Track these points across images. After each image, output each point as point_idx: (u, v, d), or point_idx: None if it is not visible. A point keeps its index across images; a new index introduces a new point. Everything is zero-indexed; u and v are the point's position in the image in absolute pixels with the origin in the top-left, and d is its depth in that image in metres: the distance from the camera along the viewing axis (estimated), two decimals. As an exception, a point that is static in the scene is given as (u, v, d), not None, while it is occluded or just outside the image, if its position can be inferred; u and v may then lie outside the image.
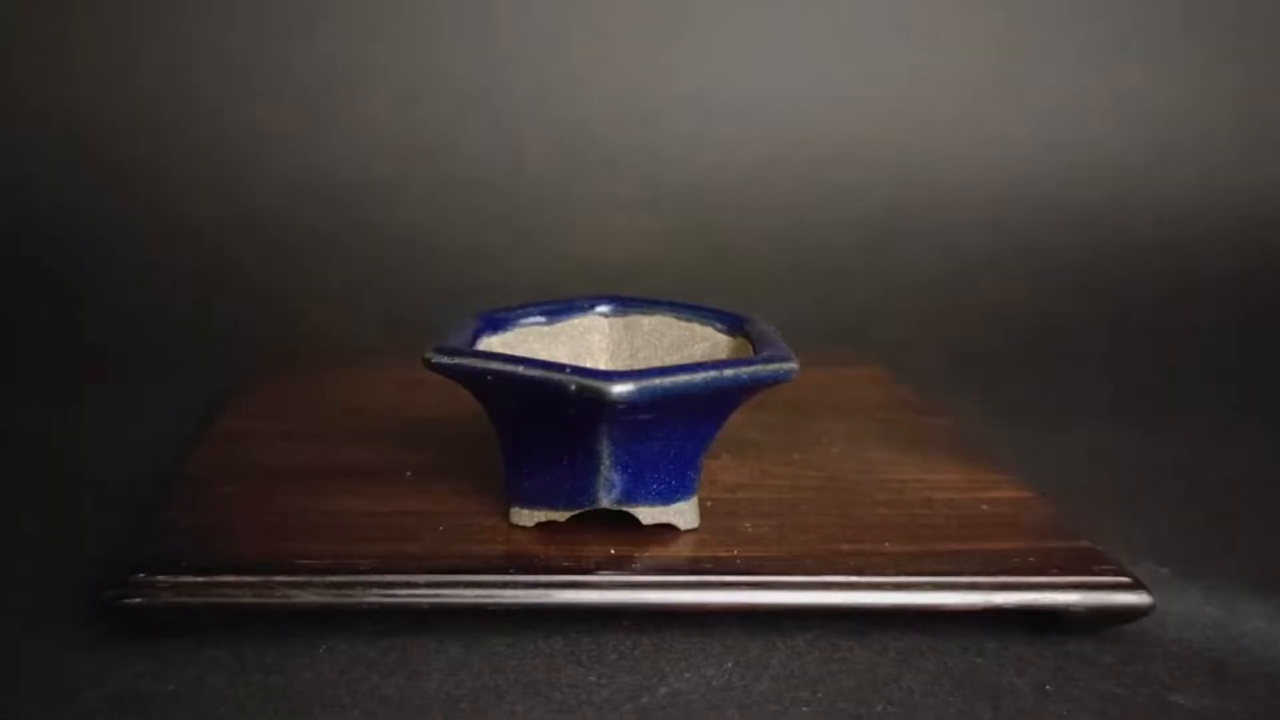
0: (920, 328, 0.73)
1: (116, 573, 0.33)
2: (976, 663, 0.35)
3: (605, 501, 0.36)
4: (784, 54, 0.81)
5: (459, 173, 0.77)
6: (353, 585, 0.33)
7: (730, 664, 0.34)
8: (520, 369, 0.33)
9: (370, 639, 0.34)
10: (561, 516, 0.37)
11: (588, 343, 0.42)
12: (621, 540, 0.36)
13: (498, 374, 0.33)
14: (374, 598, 0.33)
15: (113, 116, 0.75)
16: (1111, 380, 0.68)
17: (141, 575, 0.33)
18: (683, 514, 0.37)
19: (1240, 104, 0.83)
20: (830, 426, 0.49)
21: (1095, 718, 0.32)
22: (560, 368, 0.33)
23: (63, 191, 0.73)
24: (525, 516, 0.37)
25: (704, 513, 0.38)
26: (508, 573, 0.34)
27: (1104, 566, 0.36)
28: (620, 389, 0.32)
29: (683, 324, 0.42)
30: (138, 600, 0.33)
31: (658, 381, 0.33)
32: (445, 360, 0.34)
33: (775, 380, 0.35)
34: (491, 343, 0.39)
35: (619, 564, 0.35)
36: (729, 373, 0.34)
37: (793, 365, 0.35)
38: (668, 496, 0.37)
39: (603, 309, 0.43)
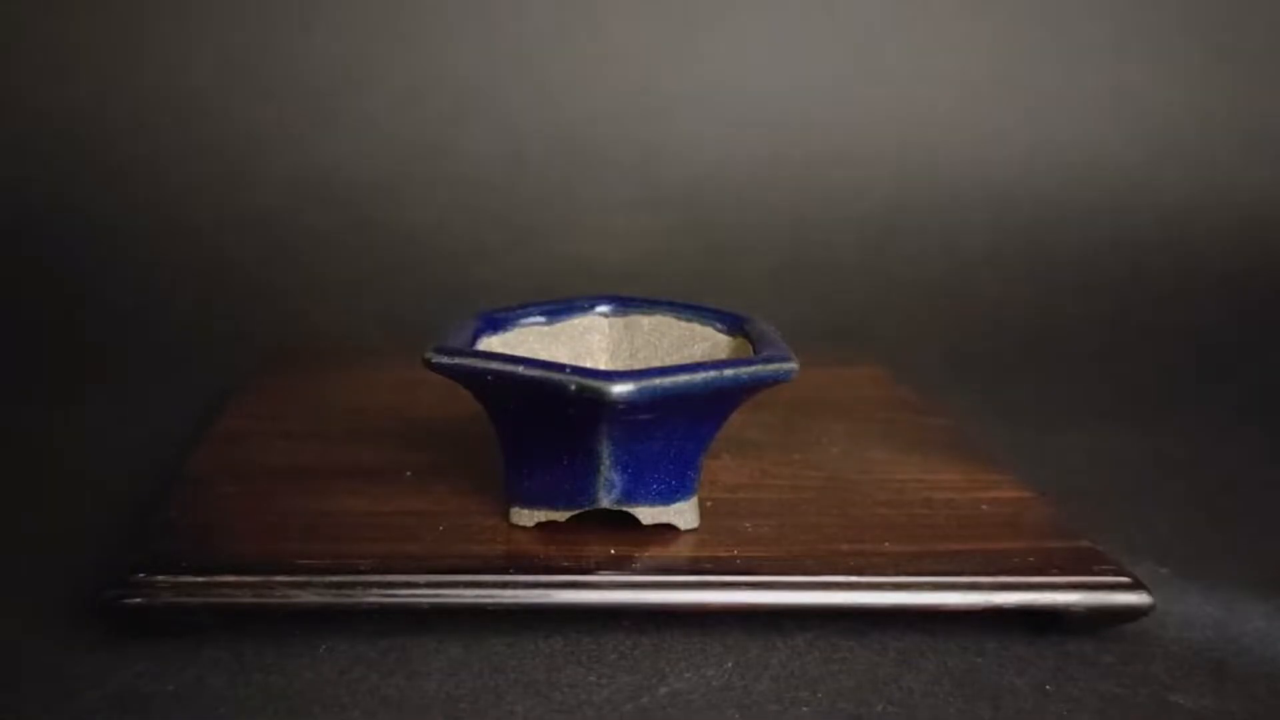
0: (920, 328, 0.73)
1: (116, 573, 0.33)
2: (976, 663, 0.35)
3: (605, 501, 0.36)
4: (784, 54, 0.81)
5: (459, 173, 0.77)
6: (353, 585, 0.33)
7: (730, 664, 0.34)
8: (520, 369, 0.33)
9: (370, 639, 0.34)
10: (561, 516, 0.37)
11: (588, 343, 0.42)
12: (621, 540, 0.36)
13: (498, 374, 0.33)
14: (374, 598, 0.33)
15: (113, 116, 0.75)
16: (1111, 380, 0.68)
17: (141, 575, 0.33)
18: (683, 514, 0.37)
19: (1240, 104, 0.83)
20: (830, 426, 0.49)
21: (1095, 718, 0.32)
22: (560, 368, 0.33)
23: (63, 191, 0.73)
24: (525, 516, 0.37)
25: (704, 513, 0.38)
26: (508, 573, 0.34)
27: (1104, 566, 0.36)
28: (620, 389, 0.32)
29: (683, 324, 0.42)
30: (138, 600, 0.33)
31: (658, 381, 0.33)
32: (445, 360, 0.34)
33: (775, 380, 0.35)
34: (491, 343, 0.39)
35: (619, 564, 0.35)
36: (729, 373, 0.34)
37: (793, 365, 0.35)
38: (668, 496, 0.37)
39: (603, 309, 0.43)
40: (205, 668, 0.33)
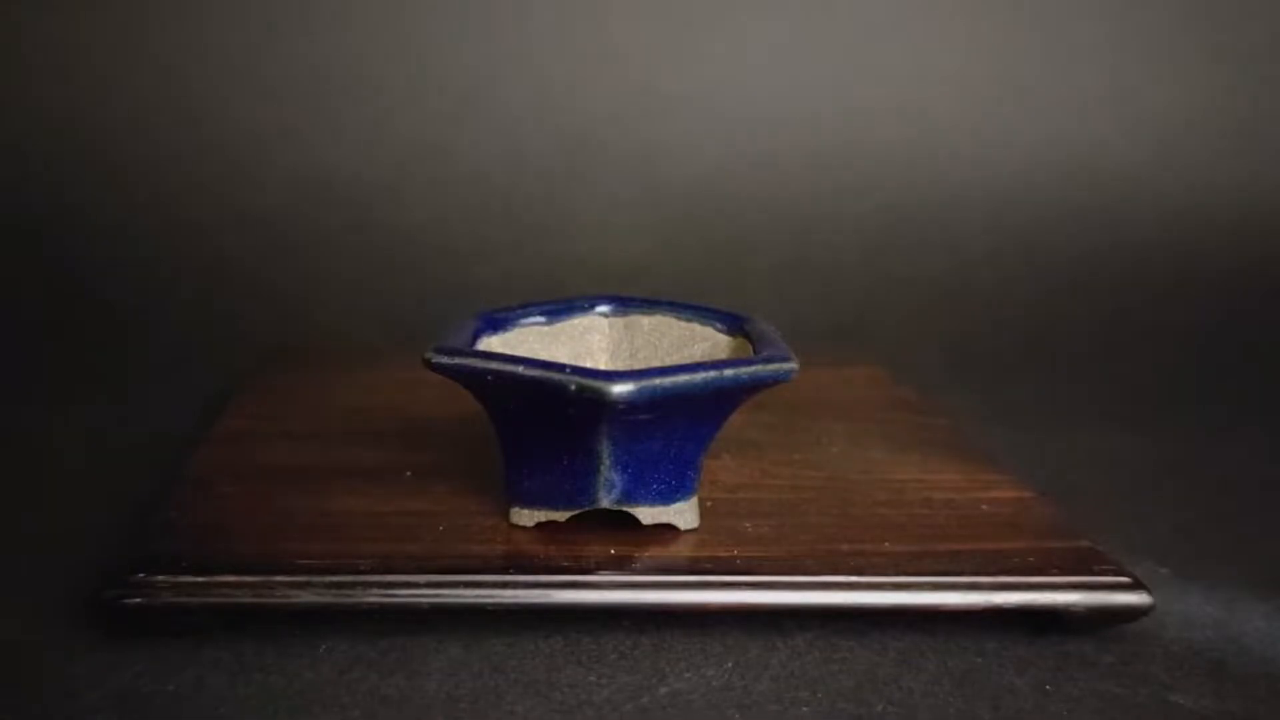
0: (920, 328, 0.73)
1: (116, 573, 0.33)
2: (976, 663, 0.35)
3: (605, 501, 0.36)
4: (784, 54, 0.81)
5: (459, 173, 0.77)
6: (353, 585, 0.33)
7: (730, 664, 0.34)
8: (520, 369, 0.33)
9: (370, 639, 0.34)
10: (561, 516, 0.37)
11: (588, 343, 0.42)
12: (621, 540, 0.36)
13: (498, 374, 0.33)
14: (374, 598, 0.33)
15: (113, 116, 0.75)
16: (1111, 380, 0.68)
17: (141, 575, 0.33)
18: (683, 514, 0.37)
19: (1240, 104, 0.83)
20: (830, 426, 0.49)
21: (1095, 718, 0.32)
22: (560, 368, 0.33)
23: (63, 191, 0.73)
24: (525, 516, 0.37)
25: (704, 513, 0.38)
26: (508, 573, 0.34)
27: (1104, 566, 0.36)
28: (620, 389, 0.32)
29: (683, 324, 0.42)
30: (138, 600, 0.33)
31: (658, 381, 0.33)
32: (445, 360, 0.34)
33: (775, 380, 0.35)
34: (491, 343, 0.39)
35: (619, 564, 0.35)
36: (729, 373, 0.34)
37: (793, 365, 0.35)
38: (668, 496, 0.37)
39: (603, 309, 0.43)
40: (205, 668, 0.33)
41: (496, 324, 0.40)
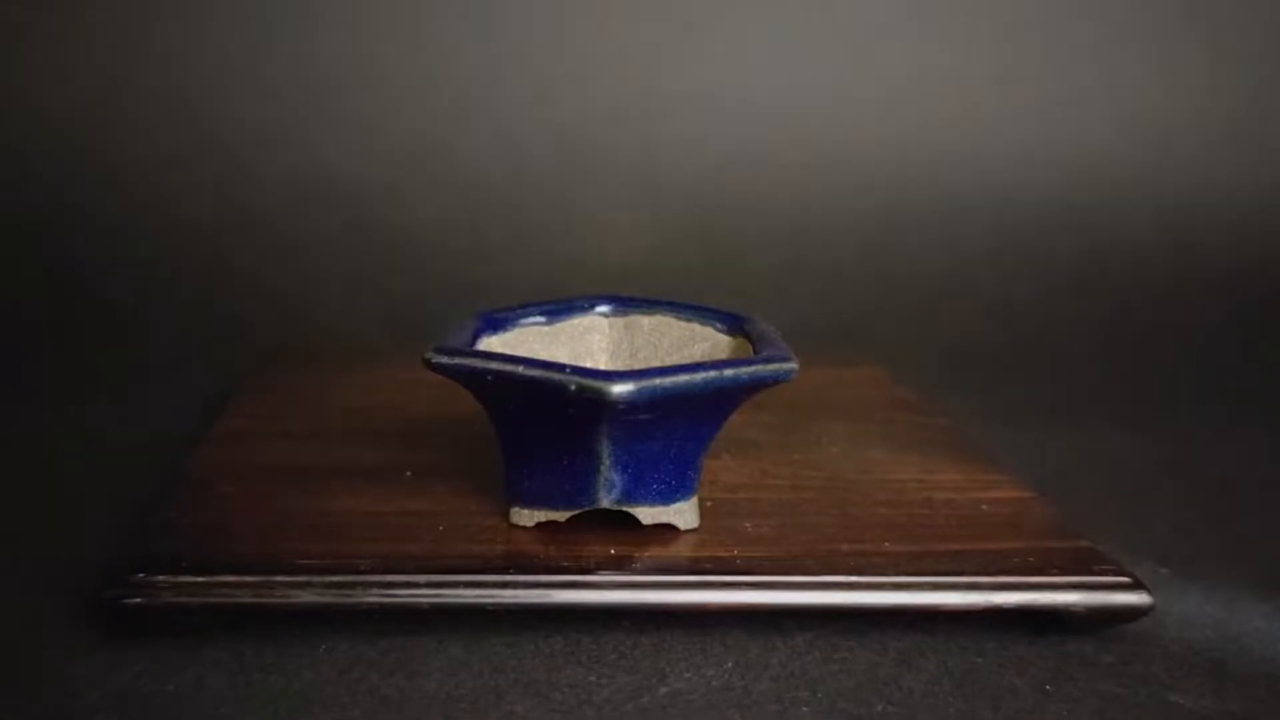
0: (920, 328, 0.73)
1: (116, 573, 0.33)
2: (976, 663, 0.35)
3: (605, 501, 0.36)
4: (784, 54, 0.81)
5: (459, 173, 0.77)
6: (353, 585, 0.33)
7: (730, 664, 0.34)
8: (520, 369, 0.33)
9: (370, 639, 0.34)
10: (561, 516, 0.37)
11: (588, 343, 0.42)
12: (621, 540, 0.36)
13: (498, 374, 0.33)
14: (374, 598, 0.33)
15: (113, 116, 0.75)
16: (1111, 380, 0.68)
17: (141, 575, 0.33)
18: (683, 514, 0.37)
19: (1240, 104, 0.83)
20: (830, 426, 0.49)
21: (1095, 718, 0.32)
22: (560, 368, 0.33)
23: (63, 191, 0.73)
24: (525, 516, 0.37)
25: (704, 513, 0.38)
26: (508, 573, 0.34)
27: (1104, 566, 0.36)
28: (620, 389, 0.32)
29: (683, 324, 0.42)
30: (138, 600, 0.33)
31: (658, 381, 0.33)
32: (445, 360, 0.34)
33: (775, 380, 0.35)
34: (491, 343, 0.39)
35: (619, 564, 0.35)
36: (729, 373, 0.34)
37: (793, 365, 0.35)
38: (668, 496, 0.37)
39: (603, 309, 0.43)
40: (205, 668, 0.33)
41: (496, 324, 0.40)
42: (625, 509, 0.36)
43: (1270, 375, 0.69)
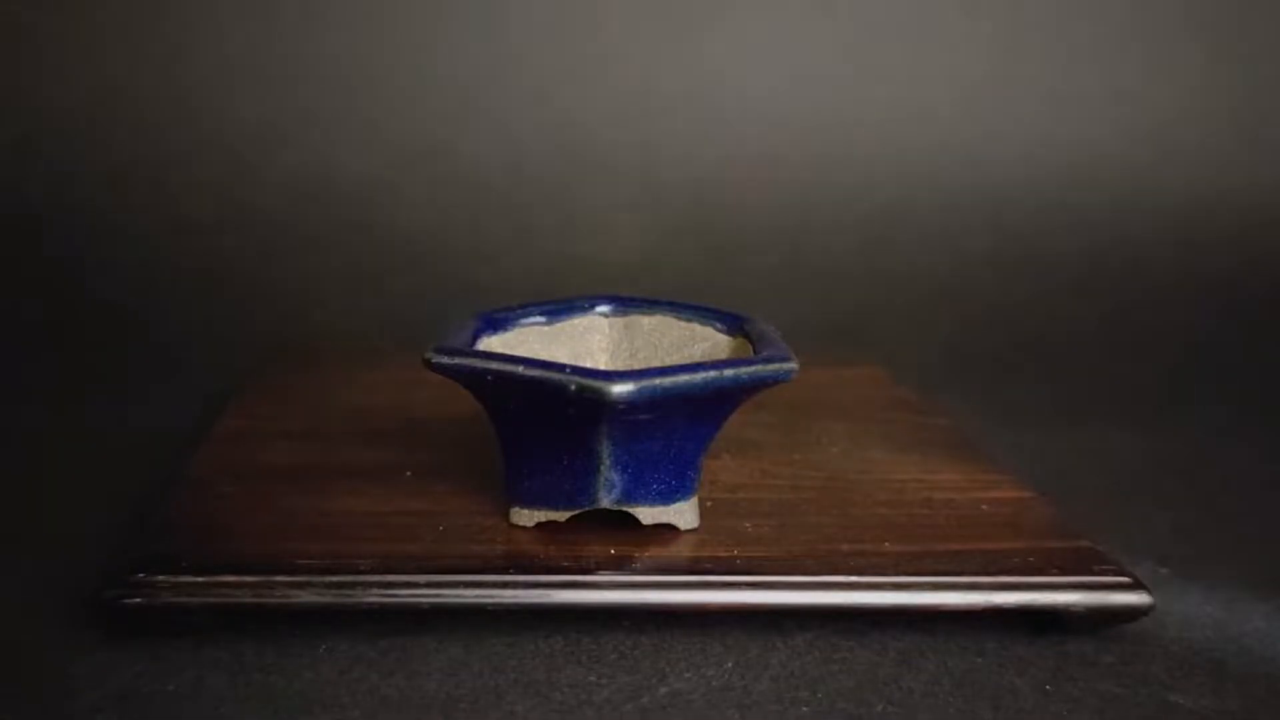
0: (920, 328, 0.73)
1: (116, 573, 0.33)
2: (976, 663, 0.35)
3: (605, 501, 0.36)
4: (784, 53, 0.81)
5: (459, 173, 0.77)
6: (353, 585, 0.33)
7: (730, 664, 0.34)
8: (520, 369, 0.33)
9: (370, 639, 0.34)
10: (561, 516, 0.37)
11: (588, 343, 0.42)
12: (621, 540, 0.36)
13: (498, 374, 0.33)
14: (374, 598, 0.33)
15: (113, 116, 0.75)
16: (1111, 380, 0.68)
17: (141, 575, 0.33)
18: (683, 514, 0.37)
19: (1240, 104, 0.83)
20: (830, 426, 0.49)
21: (1095, 718, 0.32)
22: (560, 368, 0.33)
23: (63, 191, 0.73)
24: (525, 516, 0.37)
25: (704, 513, 0.38)
26: (508, 573, 0.34)
27: (1104, 566, 0.36)
28: (620, 389, 0.32)
29: (683, 324, 0.42)
30: (138, 600, 0.33)
31: (658, 381, 0.33)
32: (445, 360, 0.34)
33: (775, 380, 0.35)
34: (491, 343, 0.39)
35: (619, 564, 0.35)
36: (729, 373, 0.34)
37: (793, 365, 0.35)
38: (668, 496, 0.37)
39: (603, 309, 0.43)
40: (205, 668, 0.33)
41: (496, 324, 0.40)
42: (625, 509, 0.36)
43: (1270, 375, 0.69)
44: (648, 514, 0.37)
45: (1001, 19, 0.82)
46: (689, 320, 0.42)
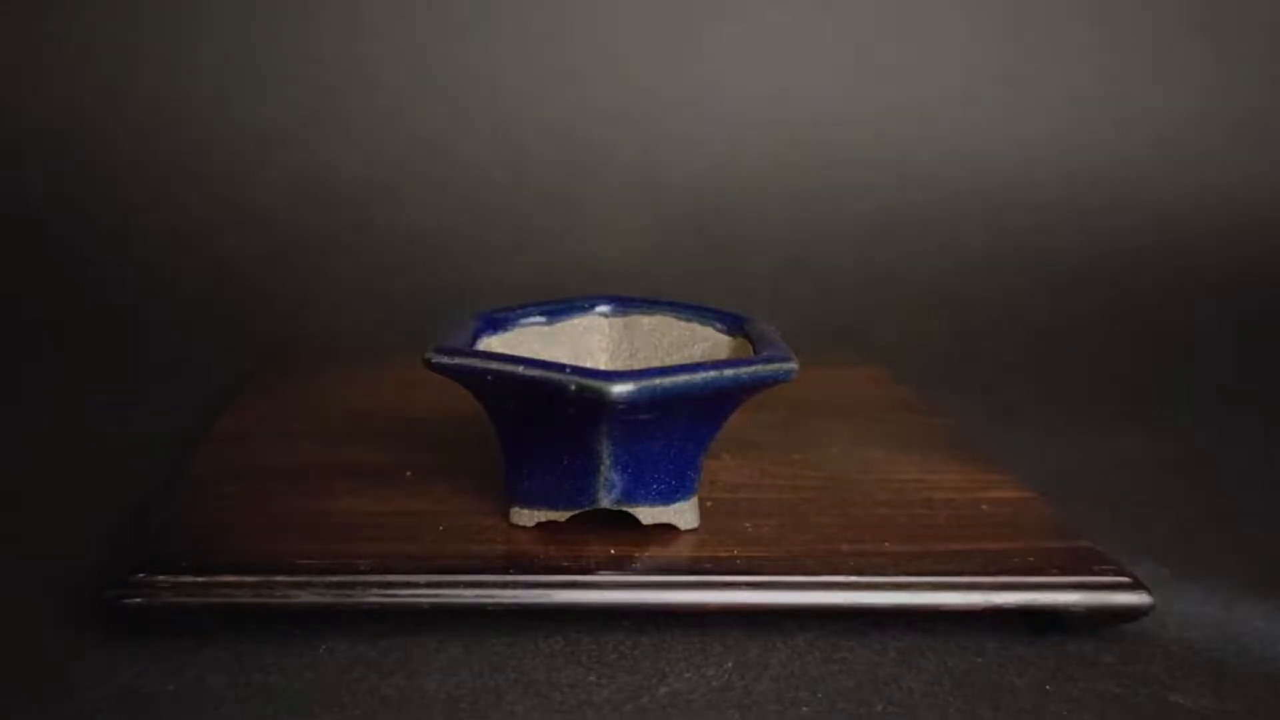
0: (920, 328, 0.73)
1: (116, 573, 0.33)
2: (976, 663, 0.35)
3: (605, 501, 0.36)
4: (784, 54, 0.81)
5: (459, 173, 0.77)
6: (353, 585, 0.33)
7: (730, 664, 0.34)
8: (520, 369, 0.33)
9: (370, 639, 0.34)
10: (561, 516, 0.37)
11: (588, 343, 0.42)
12: (621, 540, 0.36)
13: (498, 374, 0.33)
14: (374, 598, 0.33)
15: (113, 116, 0.75)
16: (1111, 380, 0.68)
17: (141, 575, 0.33)
18: (683, 514, 0.37)
19: (1240, 104, 0.83)
20: (830, 426, 0.49)
21: (1095, 718, 0.32)
22: (560, 368, 0.33)
23: (63, 191, 0.73)
24: (525, 516, 0.37)
25: (704, 513, 0.38)
26: (508, 573, 0.34)
27: (1104, 566, 0.36)
28: (620, 389, 0.32)
29: (683, 324, 0.42)
30: (138, 600, 0.33)
31: (658, 381, 0.33)
32: (445, 360, 0.34)
33: (775, 380, 0.35)
34: (491, 343, 0.39)
35: (619, 564, 0.35)
36: (729, 373, 0.34)
37: (793, 365, 0.35)
38: (668, 496, 0.37)
39: (603, 309, 0.43)
40: (205, 668, 0.33)
41: (496, 324, 0.40)
42: (625, 509, 0.36)
43: (1270, 375, 0.69)
44: (648, 514, 0.37)
45: (1002, 19, 0.82)
46: (689, 320, 0.42)
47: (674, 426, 0.35)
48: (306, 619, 0.35)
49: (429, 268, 0.74)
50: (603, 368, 0.42)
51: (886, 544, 0.37)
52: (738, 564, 0.35)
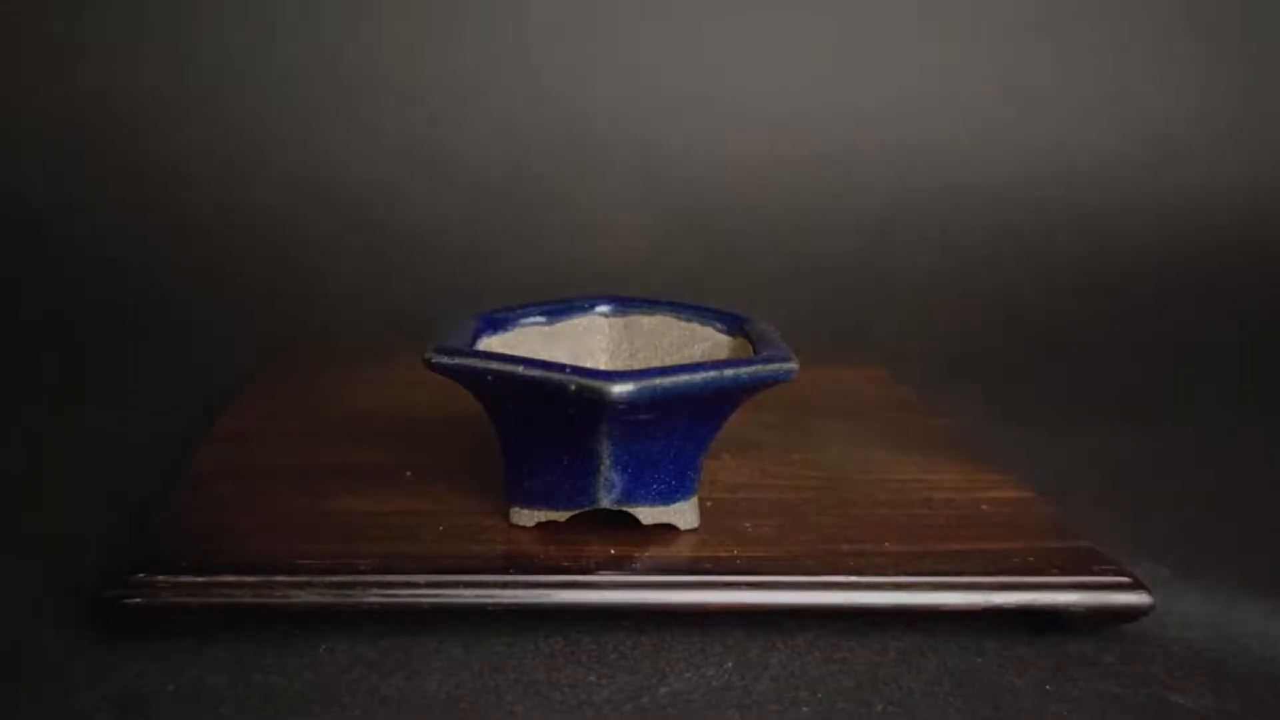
0: (920, 328, 0.73)
1: (116, 573, 0.33)
2: (976, 663, 0.35)
3: (605, 501, 0.36)
4: (784, 53, 0.81)
5: (459, 173, 0.77)
6: (353, 585, 0.33)
7: (730, 664, 0.34)
8: (520, 369, 0.33)
9: (370, 639, 0.34)
10: (561, 516, 0.37)
11: (588, 343, 0.42)
12: (621, 540, 0.36)
13: (498, 374, 0.33)
14: (374, 598, 0.33)
15: (113, 116, 0.75)
16: (1111, 380, 0.68)
17: (141, 575, 0.33)
18: (683, 514, 0.37)
19: (1240, 104, 0.83)
20: (830, 426, 0.49)
21: (1095, 718, 0.32)
22: (560, 368, 0.33)
23: (63, 191, 0.73)
24: (525, 516, 0.37)
25: (704, 513, 0.38)
26: (508, 573, 0.34)
27: (1104, 566, 0.36)
28: (620, 389, 0.32)
29: (683, 324, 0.42)
30: (138, 600, 0.33)
31: (658, 381, 0.33)
32: (445, 360, 0.34)
33: (775, 380, 0.35)
34: (491, 343, 0.39)
35: (619, 564, 0.35)
36: (729, 373, 0.34)
37: (793, 365, 0.35)
38: (668, 496, 0.37)
39: (603, 309, 0.43)
40: (205, 668, 0.33)
41: (496, 324, 0.40)
42: (625, 509, 0.36)
43: (1270, 375, 0.69)
44: (648, 514, 0.37)
45: (1002, 19, 0.82)
46: (689, 320, 0.42)
47: (674, 426, 0.35)
48: (306, 619, 0.35)
49: (429, 268, 0.74)
50: (603, 368, 0.42)
51: (886, 544, 0.37)
52: (738, 564, 0.35)
